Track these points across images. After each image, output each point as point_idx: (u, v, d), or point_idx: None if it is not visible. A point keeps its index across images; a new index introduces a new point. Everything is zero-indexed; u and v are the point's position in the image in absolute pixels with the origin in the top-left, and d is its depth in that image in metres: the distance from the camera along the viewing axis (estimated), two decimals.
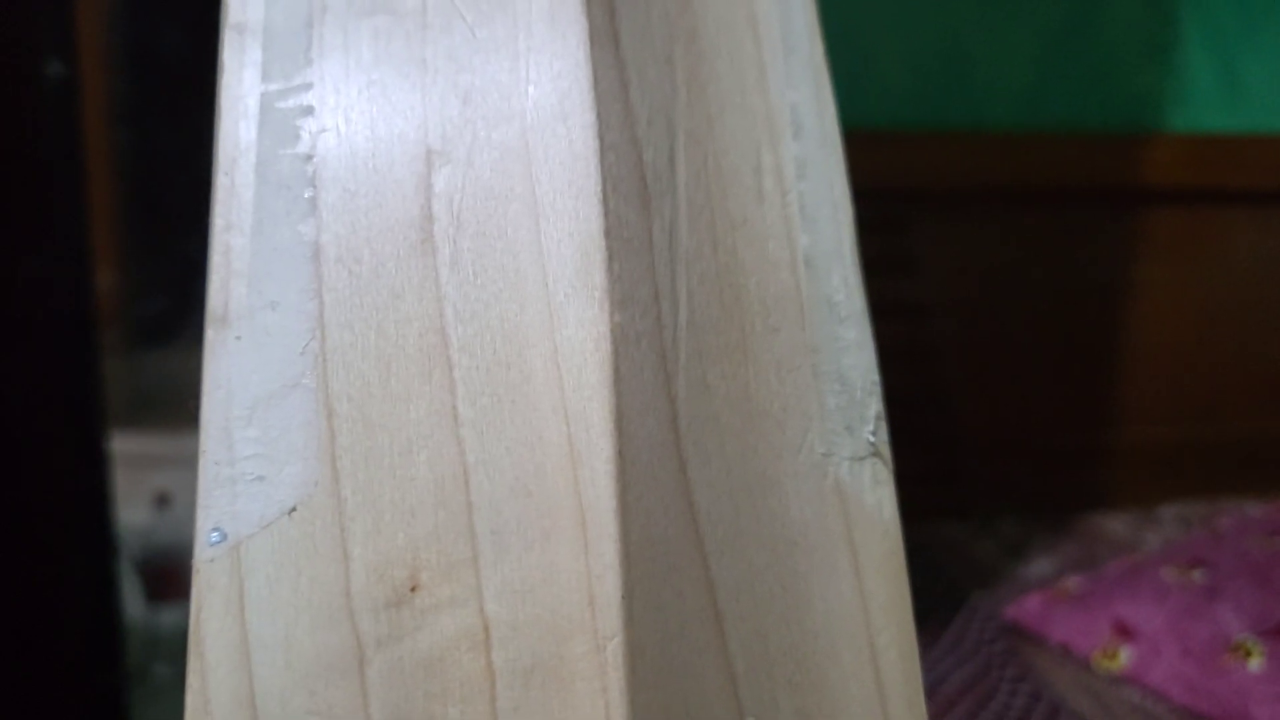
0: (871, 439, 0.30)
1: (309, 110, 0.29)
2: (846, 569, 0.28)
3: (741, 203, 0.30)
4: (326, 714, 0.24)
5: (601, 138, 0.28)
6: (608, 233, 0.27)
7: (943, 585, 0.71)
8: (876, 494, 0.30)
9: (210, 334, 0.27)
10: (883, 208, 0.83)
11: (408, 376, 0.26)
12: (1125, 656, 0.60)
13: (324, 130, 0.28)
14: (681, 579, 0.25)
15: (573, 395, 0.26)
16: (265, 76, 0.29)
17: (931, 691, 0.55)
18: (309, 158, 0.28)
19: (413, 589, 0.25)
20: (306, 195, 0.28)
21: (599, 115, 0.28)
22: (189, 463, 0.26)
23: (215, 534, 0.25)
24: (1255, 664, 0.56)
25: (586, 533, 0.25)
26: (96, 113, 0.69)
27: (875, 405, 0.31)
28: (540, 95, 0.28)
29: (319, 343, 0.27)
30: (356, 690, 0.24)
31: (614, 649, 0.24)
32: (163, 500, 0.69)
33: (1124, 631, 0.61)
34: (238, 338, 0.27)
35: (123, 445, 0.62)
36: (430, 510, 0.25)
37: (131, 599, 0.65)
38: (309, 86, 0.29)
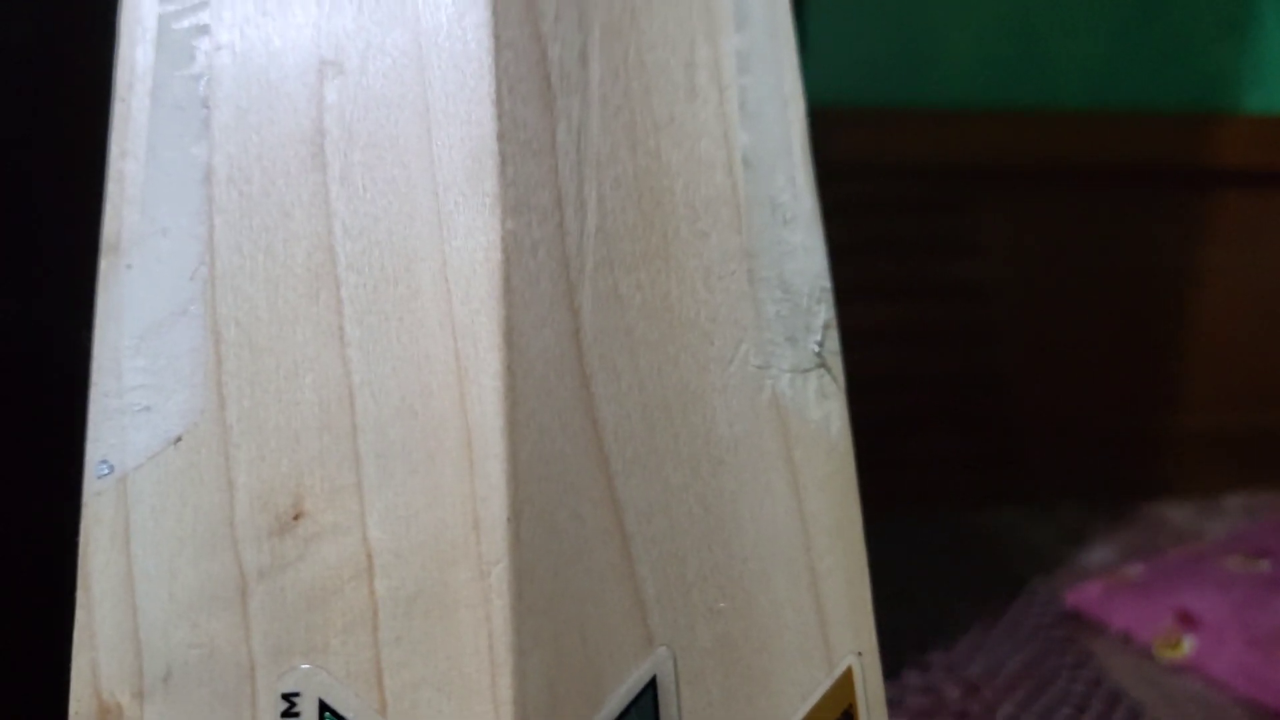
0: (817, 349, 0.28)
1: (204, 29, 0.27)
2: (784, 489, 0.26)
3: (668, 100, 0.28)
4: (208, 646, 0.23)
5: (497, 35, 0.26)
6: (501, 136, 0.25)
7: (1001, 570, 0.68)
8: (823, 408, 0.27)
9: (103, 264, 0.26)
10: (946, 187, 0.80)
11: (295, 297, 0.25)
12: (1187, 646, 0.57)
13: (219, 48, 0.27)
14: (580, 500, 0.24)
15: (461, 309, 0.24)
16: None
17: (989, 675, 0.53)
18: (203, 77, 0.27)
19: (296, 517, 0.24)
20: (200, 116, 0.27)
21: (495, 11, 0.26)
22: None
23: (103, 466, 0.25)
24: None
25: (472, 453, 0.23)
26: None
27: (824, 313, 0.28)
28: None
29: (208, 267, 0.26)
30: (239, 621, 0.23)
31: (498, 574, 0.23)
32: None
33: (1186, 620, 0.58)
34: (129, 266, 0.26)
35: None
36: (315, 435, 0.24)
37: None
38: (205, 4, 0.28)
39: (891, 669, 0.38)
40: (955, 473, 0.81)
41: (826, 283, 0.29)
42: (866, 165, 0.76)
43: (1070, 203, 0.82)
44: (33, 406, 0.60)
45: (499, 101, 0.25)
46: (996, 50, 0.82)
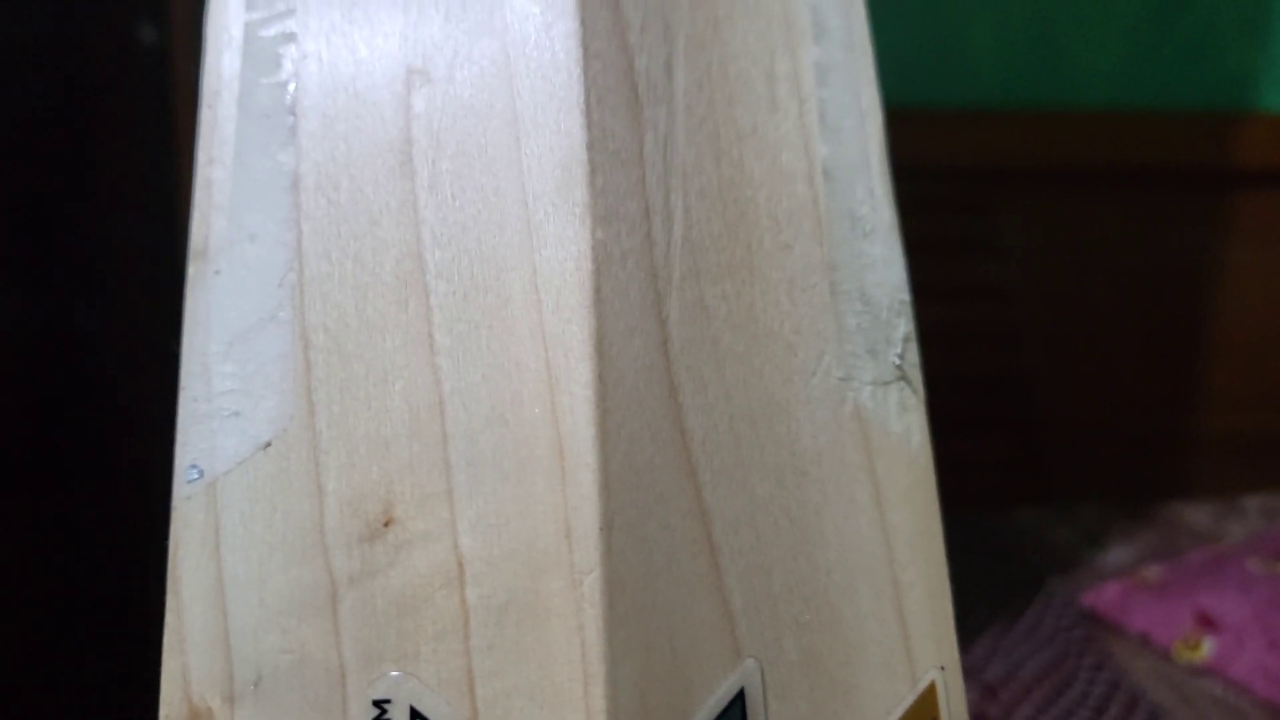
0: (898, 362, 0.28)
1: (291, 37, 0.28)
2: (866, 501, 0.26)
3: (751, 111, 0.28)
4: (298, 651, 0.23)
5: (586, 46, 0.26)
6: (590, 145, 0.25)
7: (1020, 570, 0.68)
8: (903, 421, 0.27)
9: (191, 270, 0.26)
10: (968, 188, 0.80)
11: (384, 305, 0.25)
12: (1207, 648, 0.56)
13: (305, 56, 0.27)
14: (670, 510, 0.24)
15: (551, 318, 0.24)
16: (249, 5, 0.28)
17: (1008, 677, 0.53)
18: (290, 85, 0.27)
19: (386, 524, 0.24)
20: (287, 123, 0.27)
21: (583, 22, 0.26)
22: None
23: (193, 471, 0.25)
24: None
25: (564, 462, 0.23)
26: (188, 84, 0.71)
27: (903, 326, 0.28)
28: (522, 5, 0.26)
29: (296, 274, 0.26)
30: (329, 628, 0.23)
31: (591, 584, 0.23)
32: None
33: (1206, 622, 0.58)
34: (217, 272, 0.26)
35: None
36: (405, 442, 0.24)
37: None
38: (291, 12, 0.28)
39: None
40: (974, 473, 0.81)
41: (905, 295, 0.29)
42: (891, 165, 0.76)
43: (1091, 203, 0.82)
44: (86, 409, 0.60)
45: (588, 111, 0.25)
46: (1016, 51, 0.82)
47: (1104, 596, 0.62)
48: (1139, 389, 0.85)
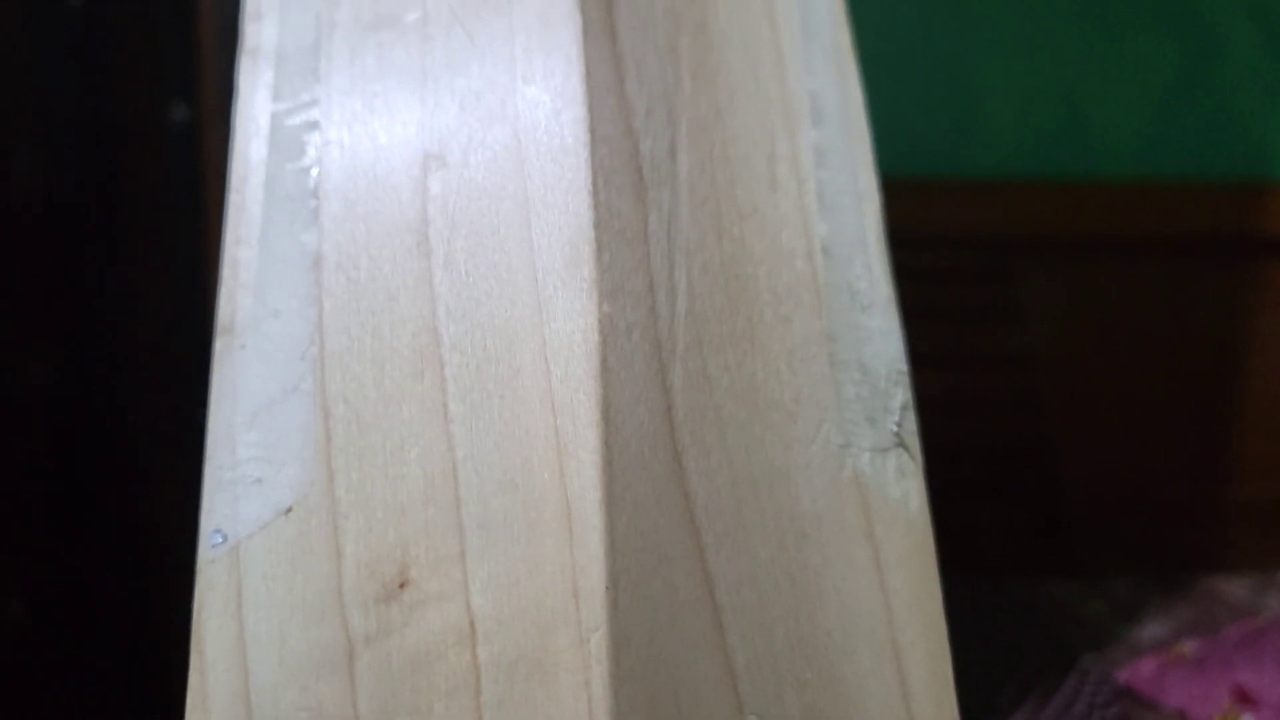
0: (896, 429, 0.29)
1: (315, 125, 0.29)
2: (866, 563, 0.27)
3: (751, 191, 0.29)
4: (316, 709, 0.24)
5: (593, 130, 0.27)
6: (597, 224, 0.26)
7: (1052, 645, 0.67)
8: (902, 486, 0.28)
9: (218, 344, 0.28)
10: (990, 256, 0.80)
11: (401, 376, 0.26)
12: None
13: (328, 143, 0.29)
14: (674, 571, 0.25)
15: (560, 387, 0.25)
16: (276, 96, 0.30)
17: None
18: (313, 170, 0.29)
19: (402, 585, 0.25)
20: (310, 206, 0.28)
21: (590, 108, 0.28)
22: None
23: (217, 535, 0.26)
24: None
25: (571, 524, 0.24)
26: (218, 158, 0.73)
27: (901, 395, 0.29)
28: (534, 93, 0.28)
29: (318, 348, 0.27)
30: (346, 685, 0.24)
31: (597, 641, 0.23)
32: None
33: (1245, 699, 0.57)
34: (242, 346, 0.27)
35: None
36: (420, 506, 0.25)
37: None
38: (315, 103, 0.29)
39: None
40: (1002, 544, 0.80)
41: (903, 366, 0.30)
42: (912, 235, 0.77)
43: (1116, 272, 0.82)
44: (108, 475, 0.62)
45: (595, 192, 0.27)
46: (1041, 120, 0.82)
47: (1140, 673, 0.62)
48: (1169, 459, 0.85)
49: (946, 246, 0.79)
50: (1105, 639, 0.68)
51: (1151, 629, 0.70)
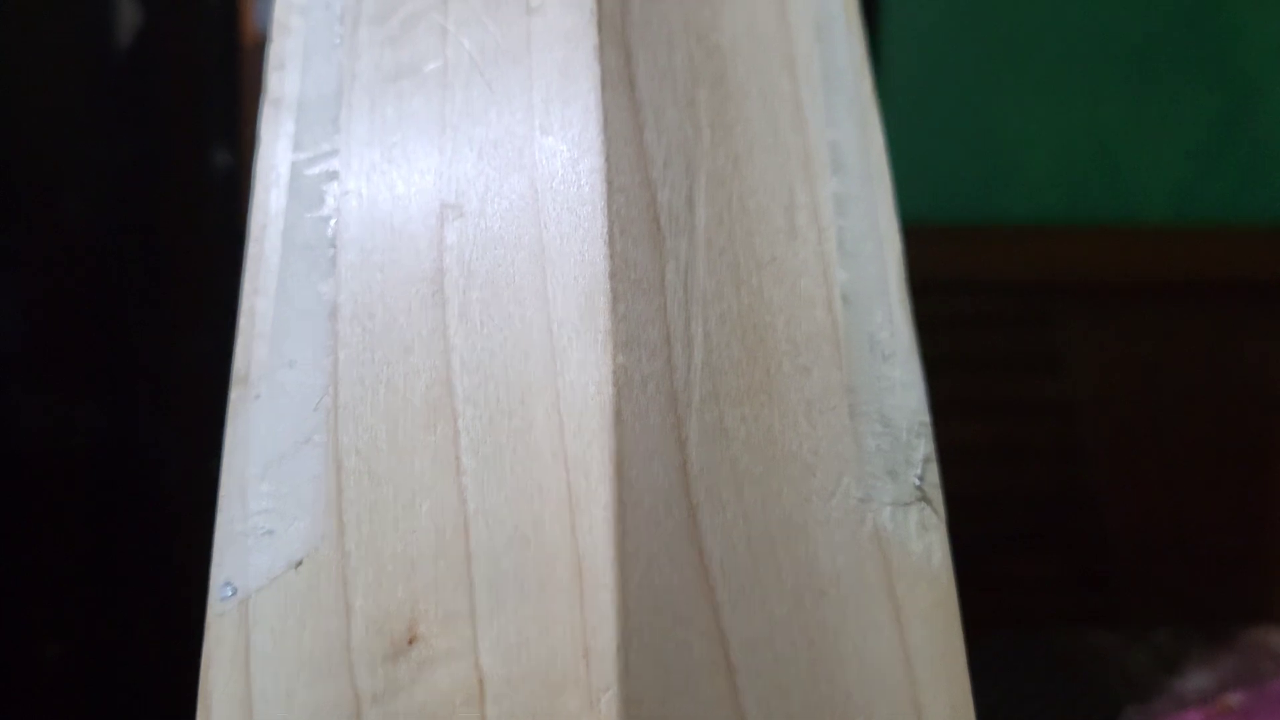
0: (918, 483, 0.28)
1: (334, 175, 0.29)
2: (886, 622, 0.26)
3: (770, 241, 0.29)
4: None
5: (610, 181, 0.27)
6: (613, 275, 0.26)
7: (1095, 697, 0.66)
8: (924, 541, 0.28)
9: (233, 395, 0.28)
10: (1028, 302, 0.80)
11: (413, 429, 0.26)
12: None
13: (346, 193, 0.29)
14: (688, 630, 0.24)
15: (573, 441, 0.25)
16: (296, 146, 0.30)
17: None
18: (331, 220, 0.29)
19: (410, 641, 0.24)
20: (328, 256, 0.28)
21: (608, 158, 0.27)
22: None
23: (227, 588, 0.26)
24: None
25: (583, 582, 0.24)
26: None
27: (923, 447, 0.29)
28: (551, 143, 0.28)
29: (331, 398, 0.27)
30: None
31: (608, 703, 0.23)
32: None
33: None
34: (257, 397, 0.27)
35: None
36: (430, 562, 0.25)
37: None
38: (335, 153, 0.29)
39: None
40: (1044, 594, 0.79)
41: (925, 417, 0.29)
42: (951, 281, 0.77)
43: (1154, 318, 0.82)
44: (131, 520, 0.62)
45: (611, 242, 0.26)
46: (1077, 165, 0.82)
47: None
48: (1212, 507, 0.84)
49: (986, 292, 0.79)
50: (1149, 691, 0.67)
51: (1196, 680, 0.69)
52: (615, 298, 0.26)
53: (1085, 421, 0.82)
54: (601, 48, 0.29)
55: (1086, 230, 0.82)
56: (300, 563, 0.25)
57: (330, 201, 0.29)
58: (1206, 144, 0.83)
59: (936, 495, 0.28)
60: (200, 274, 0.68)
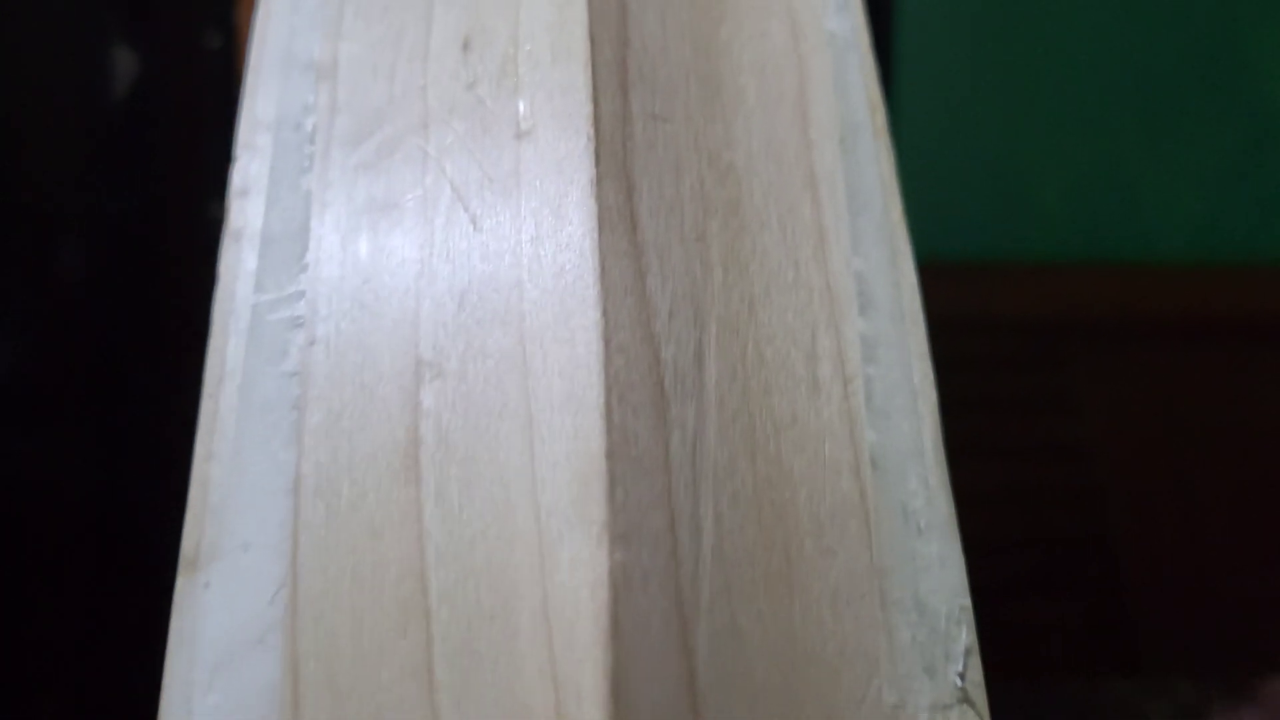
0: (959, 682, 0.25)
1: (299, 323, 0.26)
2: None
3: (790, 398, 0.26)
4: None
5: (607, 339, 0.24)
6: (610, 454, 0.23)
7: None
8: None
9: (180, 582, 0.24)
10: (1044, 341, 0.78)
11: (381, 631, 0.23)
12: None
13: (313, 343, 0.26)
14: None
15: (563, 655, 0.22)
16: (258, 287, 0.27)
17: None
18: (295, 375, 0.26)
19: None
20: (289, 420, 0.25)
21: (605, 312, 0.24)
22: None
23: None
24: None
25: None
26: None
27: (965, 637, 0.25)
28: (540, 294, 0.25)
29: (290, 590, 0.23)
30: None
31: None
32: None
33: None
34: (206, 585, 0.24)
35: None
36: None
37: None
38: (301, 295, 0.26)
39: None
40: (1060, 642, 0.77)
41: (966, 600, 0.26)
42: (964, 320, 0.75)
43: (1172, 357, 0.80)
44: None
45: (608, 414, 0.23)
46: (1092, 203, 0.81)
47: None
48: (1231, 552, 0.82)
49: (999, 332, 0.77)
50: None
51: None
52: (613, 481, 0.23)
53: (1101, 464, 0.80)
54: (599, 181, 0.25)
55: (1102, 268, 0.81)
56: None
57: (294, 353, 0.26)
58: (1224, 181, 0.82)
59: (980, 696, 0.25)
60: (197, 327, 0.65)
